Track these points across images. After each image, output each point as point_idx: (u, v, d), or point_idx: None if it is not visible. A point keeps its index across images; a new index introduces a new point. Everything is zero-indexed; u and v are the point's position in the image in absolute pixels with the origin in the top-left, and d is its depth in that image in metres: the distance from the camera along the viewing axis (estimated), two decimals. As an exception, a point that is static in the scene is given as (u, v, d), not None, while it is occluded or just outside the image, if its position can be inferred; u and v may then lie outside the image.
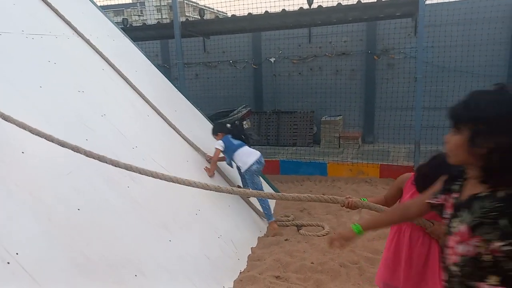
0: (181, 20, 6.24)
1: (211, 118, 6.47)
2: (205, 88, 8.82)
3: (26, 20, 3.61)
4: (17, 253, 2.04)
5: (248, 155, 4.09)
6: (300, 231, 4.15)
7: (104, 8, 5.50)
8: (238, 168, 4.21)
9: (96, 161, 2.88)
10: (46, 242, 2.24)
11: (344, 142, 7.58)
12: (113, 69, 4.12)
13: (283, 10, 5.90)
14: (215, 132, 4.30)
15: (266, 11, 5.90)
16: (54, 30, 3.85)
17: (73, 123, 3.16)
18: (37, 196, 2.43)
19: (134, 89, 4.14)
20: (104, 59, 4.11)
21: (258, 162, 4.07)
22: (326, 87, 7.85)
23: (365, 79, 7.69)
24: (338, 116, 7.73)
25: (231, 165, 4.22)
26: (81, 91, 3.52)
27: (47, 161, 2.68)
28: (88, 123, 3.31)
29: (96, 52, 4.11)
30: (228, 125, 4.54)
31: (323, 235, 4.02)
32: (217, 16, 8.10)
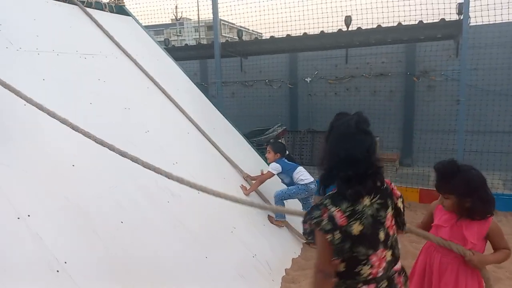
0: (221, 41, 6.43)
1: (246, 136, 6.55)
2: (241, 107, 8.95)
3: (80, 41, 3.86)
4: (65, 262, 2.14)
5: (307, 174, 4.25)
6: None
7: (146, 28, 5.78)
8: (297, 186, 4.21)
9: (136, 176, 3.00)
10: (91, 254, 2.33)
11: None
12: (157, 87, 4.29)
13: (322, 32, 5.95)
14: (277, 151, 4.28)
15: (305, 33, 5.97)
16: (104, 50, 4.08)
17: (118, 138, 3.30)
18: (84, 209, 2.54)
19: (176, 106, 4.28)
20: (149, 77, 4.30)
21: (314, 183, 4.21)
22: (363, 107, 7.74)
23: (404, 101, 7.54)
24: (376, 137, 7.59)
25: (292, 184, 4.23)
26: (127, 108, 3.69)
27: (94, 175, 2.81)
28: (132, 138, 3.45)
29: (142, 71, 4.31)
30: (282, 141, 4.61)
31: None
32: (256, 37, 8.27)
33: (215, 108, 5.17)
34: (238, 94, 9.06)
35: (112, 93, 3.68)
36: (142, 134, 3.59)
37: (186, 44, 7.79)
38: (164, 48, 6.00)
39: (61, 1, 4.16)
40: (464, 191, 2.00)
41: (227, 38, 11.47)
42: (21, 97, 2.39)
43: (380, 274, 1.62)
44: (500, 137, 6.54)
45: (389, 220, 1.65)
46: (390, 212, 1.66)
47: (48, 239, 2.19)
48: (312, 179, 4.23)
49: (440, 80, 7.07)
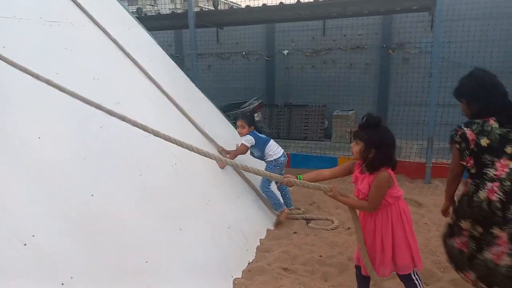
0: (195, 10, 6.24)
1: (222, 109, 6.49)
2: (218, 79, 8.83)
3: (44, 7, 3.65)
4: (33, 236, 2.10)
5: (277, 147, 4.27)
6: (309, 224, 4.16)
7: None
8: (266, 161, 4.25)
9: (110, 146, 2.95)
10: (61, 226, 2.29)
11: (355, 137, 7.53)
12: (128, 57, 4.15)
13: (298, 1, 5.84)
14: (251, 124, 4.21)
15: (281, 2, 5.85)
16: (70, 17, 3.88)
17: (88, 110, 3.20)
18: (54, 180, 2.48)
19: (149, 78, 4.16)
20: (119, 47, 4.14)
21: (284, 155, 4.27)
22: (339, 81, 7.78)
23: (379, 74, 7.60)
24: (351, 110, 7.68)
25: (262, 158, 4.25)
26: (97, 78, 3.55)
27: (63, 146, 2.73)
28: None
29: (112, 40, 4.13)
30: (257, 118, 4.56)
31: (332, 229, 4.03)
32: (231, 7, 8.07)
33: (190, 80, 5.06)
34: (214, 67, 8.91)
35: (80, 63, 3.53)
36: (112, 106, 3.45)
37: (159, 13, 7.50)
38: (136, 17, 5.77)
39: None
40: (373, 141, 2.24)
41: (204, 8, 11.12)
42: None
43: (503, 176, 2.25)
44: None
45: None
46: None
47: (16, 211, 2.14)
48: (281, 153, 4.24)
49: (415, 53, 7.14)
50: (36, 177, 2.41)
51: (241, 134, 4.21)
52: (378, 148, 2.22)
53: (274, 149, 4.23)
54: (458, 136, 2.39)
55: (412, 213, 4.21)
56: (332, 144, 7.38)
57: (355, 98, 7.64)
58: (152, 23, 6.77)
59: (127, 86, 3.87)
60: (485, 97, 2.41)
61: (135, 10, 8.41)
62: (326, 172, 2.54)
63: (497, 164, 2.27)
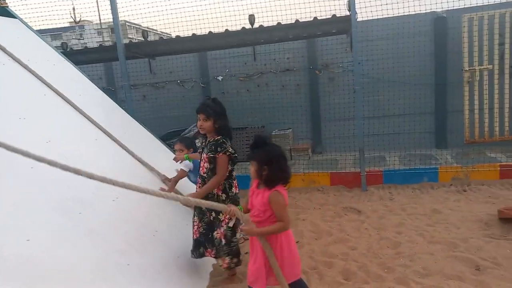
0: (124, 42, 6.19)
1: (162, 138, 6.41)
2: (154, 109, 8.72)
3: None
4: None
5: None
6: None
7: (41, 33, 5.32)
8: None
9: (47, 188, 2.79)
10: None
11: (295, 154, 7.82)
12: (56, 93, 3.99)
13: (226, 30, 6.07)
14: (189, 146, 4.19)
15: (210, 31, 6.03)
16: (-12, 56, 3.67)
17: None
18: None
19: (79, 113, 4.02)
20: (45, 84, 3.97)
21: None
22: (274, 102, 8.10)
23: (309, 93, 8.05)
24: (288, 129, 7.99)
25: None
26: (23, 118, 3.37)
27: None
28: (32, 150, 3.17)
29: (36, 77, 3.96)
30: (198, 144, 4.52)
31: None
32: (161, 37, 8.09)
33: (124, 111, 4.97)
34: (149, 97, 8.80)
35: (2, 103, 3.33)
36: (43, 145, 3.32)
37: (86, 47, 7.31)
38: (62, 52, 5.58)
39: None
40: (263, 159, 2.44)
41: (134, 40, 10.99)
42: None
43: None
44: (394, 119, 7.36)
45: None
46: None
47: None
48: None
49: (339, 72, 7.70)
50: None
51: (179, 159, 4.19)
52: (269, 164, 2.42)
53: None
54: (230, 148, 3.17)
55: (353, 220, 4.50)
56: (273, 164, 7.58)
57: (290, 117, 7.99)
58: (79, 57, 6.58)
59: (56, 123, 3.70)
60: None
61: (60, 45, 8.11)
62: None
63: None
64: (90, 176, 2.31)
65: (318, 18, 5.80)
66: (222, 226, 3.23)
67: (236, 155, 3.28)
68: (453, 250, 3.54)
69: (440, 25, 7.25)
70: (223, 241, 3.21)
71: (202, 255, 3.36)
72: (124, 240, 3.10)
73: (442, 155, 6.70)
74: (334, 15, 5.71)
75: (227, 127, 3.32)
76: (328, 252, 3.70)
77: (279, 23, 5.90)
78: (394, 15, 6.70)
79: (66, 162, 3.26)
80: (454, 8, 6.55)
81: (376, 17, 7.13)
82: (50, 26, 8.77)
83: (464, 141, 6.64)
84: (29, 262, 2.34)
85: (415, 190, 5.51)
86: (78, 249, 2.71)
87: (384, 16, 7.06)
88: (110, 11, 5.68)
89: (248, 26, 6.03)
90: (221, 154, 3.18)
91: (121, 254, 2.95)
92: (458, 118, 6.93)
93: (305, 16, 6.17)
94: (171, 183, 4.06)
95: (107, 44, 10.49)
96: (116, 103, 5.08)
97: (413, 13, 6.55)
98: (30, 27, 4.90)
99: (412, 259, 3.42)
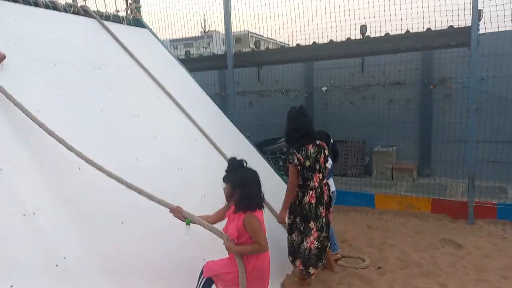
0: (234, 51, 6.62)
1: (260, 144, 6.65)
2: (259, 116, 9.09)
3: (95, 52, 4.12)
4: (64, 258, 2.30)
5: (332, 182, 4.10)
6: (338, 262, 4.05)
7: (175, 41, 6.03)
8: None
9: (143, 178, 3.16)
10: (90, 251, 2.48)
11: (397, 174, 7.30)
12: (168, 95, 4.48)
13: (331, 40, 6.01)
14: (327, 144, 3.89)
15: (314, 42, 6.05)
16: (118, 61, 4.32)
17: (126, 143, 3.50)
18: (86, 209, 2.72)
19: (185, 114, 4.44)
20: (160, 86, 4.50)
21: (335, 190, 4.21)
22: (379, 116, 7.70)
23: (421, 110, 7.44)
24: (392, 147, 7.51)
25: None
26: (137, 115, 3.88)
27: (99, 177, 2.98)
28: (140, 144, 3.64)
29: (154, 80, 4.51)
30: None
31: (362, 268, 3.89)
32: (283, 46, 8.28)
33: (225, 116, 5.30)
34: (255, 104, 9.21)
35: (122, 101, 3.89)
36: (149, 140, 3.77)
37: (201, 55, 8.03)
38: (182, 59, 6.24)
39: (80, 15, 4.46)
40: (235, 182, 2.53)
41: (254, 49, 11.56)
42: (13, 103, 2.64)
43: (316, 185, 3.35)
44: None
45: (322, 159, 3.42)
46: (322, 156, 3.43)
47: (51, 235, 2.37)
48: (334, 187, 4.11)
49: (457, 88, 6.95)
50: (72, 206, 2.66)
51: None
52: (241, 188, 2.49)
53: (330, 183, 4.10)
54: (296, 159, 3.31)
55: (450, 254, 4.02)
56: (373, 181, 7.21)
57: (396, 134, 7.48)
58: (195, 64, 7.26)
59: (164, 121, 4.16)
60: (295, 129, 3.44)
61: (184, 53, 9.08)
62: (211, 217, 2.76)
63: (314, 177, 3.34)
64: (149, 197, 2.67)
65: (433, 29, 5.34)
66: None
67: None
68: None
69: None
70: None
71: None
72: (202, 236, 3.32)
73: None
74: (451, 26, 5.19)
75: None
76: (411, 285, 3.38)
77: (387, 34, 5.61)
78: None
79: (167, 157, 3.67)
80: None
81: (507, 29, 6.26)
82: (183, 36, 9.85)
83: None
84: (119, 244, 2.69)
85: (536, 231, 4.64)
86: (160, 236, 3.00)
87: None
88: (237, 22, 6.15)
89: (353, 37, 5.87)
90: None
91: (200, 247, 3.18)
92: None
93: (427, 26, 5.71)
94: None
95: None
96: (225, 107, 5.46)
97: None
98: (156, 37, 5.60)
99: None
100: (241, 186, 2.51)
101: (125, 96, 3.99)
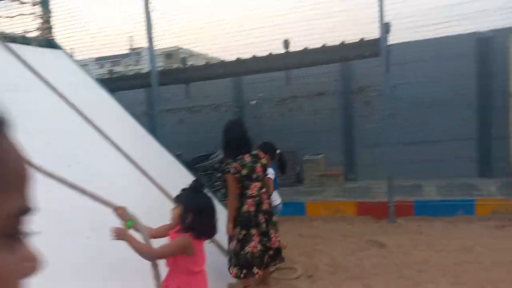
0: (163, 67, 6.50)
1: (192, 162, 6.57)
2: (190, 132, 8.98)
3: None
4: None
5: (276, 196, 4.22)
6: (272, 274, 4.08)
7: (100, 59, 5.76)
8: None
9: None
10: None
11: (326, 181, 7.61)
12: (84, 119, 4.25)
13: (253, 56, 6.16)
14: (272, 155, 4.12)
15: (238, 58, 6.17)
16: (26, 84, 4.03)
17: (36, 174, 3.24)
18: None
19: (104, 137, 4.24)
20: (75, 109, 4.25)
21: (281, 203, 4.35)
22: (306, 126, 8.01)
23: (343, 118, 7.87)
24: (320, 154, 7.83)
25: None
26: (48, 143, 3.62)
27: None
28: (55, 171, 3.40)
29: (67, 103, 4.26)
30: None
31: (295, 278, 3.96)
32: (208, 62, 8.27)
33: (150, 136, 5.16)
34: (186, 120, 9.09)
35: (33, 128, 3.61)
36: (64, 168, 3.53)
37: (123, 75, 7.79)
38: (106, 78, 5.97)
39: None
40: (191, 206, 2.28)
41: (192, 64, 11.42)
42: None
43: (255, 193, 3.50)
44: (433, 146, 6.94)
45: (259, 168, 3.58)
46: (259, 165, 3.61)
47: None
48: (279, 200, 4.22)
49: (374, 95, 7.47)
50: None
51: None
52: (196, 213, 2.25)
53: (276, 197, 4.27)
54: (233, 169, 3.43)
55: (374, 255, 4.25)
56: (304, 189, 7.44)
57: (323, 143, 7.82)
58: (120, 83, 7.00)
59: (80, 145, 3.94)
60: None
61: (108, 72, 8.74)
62: (154, 230, 2.52)
63: (252, 186, 3.47)
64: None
65: (346, 42, 5.72)
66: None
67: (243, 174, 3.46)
68: (479, 295, 3.20)
69: (484, 46, 6.82)
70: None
71: None
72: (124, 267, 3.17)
73: (485, 185, 6.17)
74: (362, 39, 5.59)
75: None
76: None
77: (305, 48, 5.89)
78: (433, 37, 6.45)
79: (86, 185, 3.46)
80: (499, 28, 6.17)
81: (414, 39, 6.90)
82: (110, 53, 9.46)
83: (510, 170, 6.08)
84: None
85: (447, 223, 5.10)
86: (79, 274, 2.81)
87: (423, 38, 6.81)
88: (165, 37, 6.09)
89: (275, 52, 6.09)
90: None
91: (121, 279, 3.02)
92: (504, 145, 6.38)
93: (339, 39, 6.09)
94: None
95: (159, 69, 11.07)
96: (154, 126, 5.29)
97: (454, 34, 6.27)
98: (71, 57, 5.32)
99: (429, 303, 3.14)
100: (199, 212, 2.26)
101: (36, 123, 3.71)
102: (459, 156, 6.77)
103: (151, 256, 2.24)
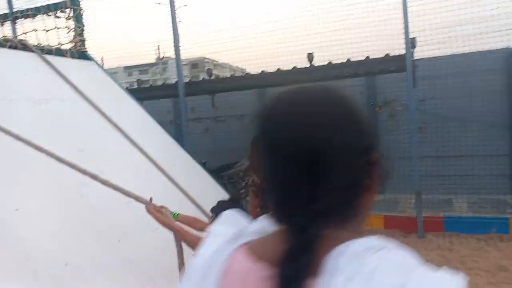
0: (190, 78, 6.64)
1: (216, 170, 6.63)
2: (215, 141, 9.09)
3: (35, 87, 3.97)
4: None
5: None
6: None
7: (129, 68, 5.97)
8: None
9: (87, 216, 3.03)
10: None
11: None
12: (115, 128, 4.37)
13: (278, 69, 6.21)
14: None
15: (262, 71, 6.23)
16: (60, 95, 4.19)
17: (70, 179, 3.34)
18: (27, 253, 2.53)
19: (133, 145, 4.34)
20: (106, 119, 4.38)
21: None
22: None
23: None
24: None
25: None
26: (81, 150, 3.74)
27: (39, 218, 2.82)
28: (85, 179, 3.49)
29: (100, 113, 4.40)
30: None
31: None
32: (233, 74, 8.44)
33: (178, 145, 5.25)
34: (211, 130, 9.22)
35: (65, 135, 3.74)
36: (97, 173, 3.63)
37: (151, 85, 7.99)
38: (134, 88, 6.15)
39: (19, 49, 4.30)
40: None
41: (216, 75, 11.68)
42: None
43: None
44: (463, 160, 6.75)
45: None
46: None
47: None
48: None
49: (401, 109, 7.37)
50: (13, 251, 2.48)
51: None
52: None
53: None
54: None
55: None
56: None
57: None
58: (147, 93, 7.18)
59: (111, 155, 4.04)
60: None
61: (135, 81, 8.98)
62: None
63: None
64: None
65: (371, 57, 5.70)
66: None
67: None
68: (516, 317, 3.06)
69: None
70: None
71: None
72: (155, 269, 3.20)
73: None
74: (387, 54, 5.56)
75: None
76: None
77: (329, 62, 5.90)
78: (463, 52, 6.36)
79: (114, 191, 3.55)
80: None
81: (442, 54, 6.79)
82: (138, 63, 9.74)
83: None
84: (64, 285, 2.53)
85: (480, 241, 4.91)
86: (112, 279, 2.86)
87: (452, 53, 6.71)
88: (192, 47, 6.23)
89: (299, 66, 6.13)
90: None
91: (152, 282, 3.05)
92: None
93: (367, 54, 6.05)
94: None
95: (186, 79, 11.33)
96: (181, 135, 5.38)
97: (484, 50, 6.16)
98: (102, 68, 5.51)
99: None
100: None
101: (67, 130, 3.85)
102: (490, 173, 6.55)
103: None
